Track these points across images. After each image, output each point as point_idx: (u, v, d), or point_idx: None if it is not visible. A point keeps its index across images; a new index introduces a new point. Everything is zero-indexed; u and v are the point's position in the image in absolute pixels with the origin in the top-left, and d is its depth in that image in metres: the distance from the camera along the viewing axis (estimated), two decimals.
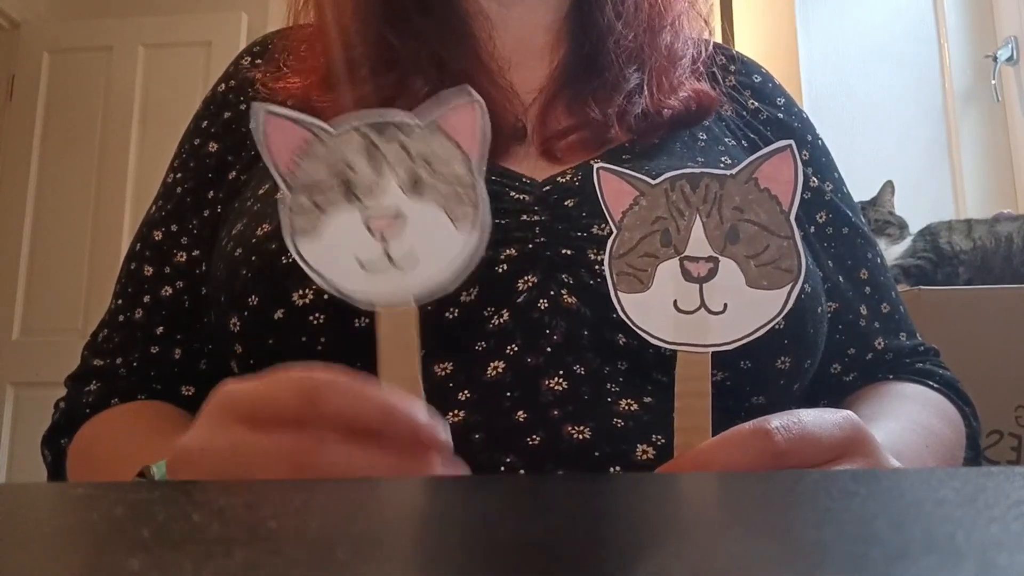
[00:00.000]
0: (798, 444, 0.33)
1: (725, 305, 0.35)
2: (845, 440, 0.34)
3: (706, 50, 0.64)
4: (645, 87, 0.59)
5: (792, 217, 0.35)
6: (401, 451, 0.30)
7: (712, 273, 0.35)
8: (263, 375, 0.32)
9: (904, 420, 0.52)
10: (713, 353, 0.35)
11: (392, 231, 0.34)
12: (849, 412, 0.36)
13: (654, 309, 0.35)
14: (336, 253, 0.34)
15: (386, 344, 0.33)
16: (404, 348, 0.33)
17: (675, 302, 0.35)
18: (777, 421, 0.33)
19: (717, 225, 0.35)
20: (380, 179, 0.34)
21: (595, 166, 0.37)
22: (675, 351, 0.35)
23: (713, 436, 0.34)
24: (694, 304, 0.35)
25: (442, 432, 0.31)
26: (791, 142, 0.35)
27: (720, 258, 0.35)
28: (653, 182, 0.36)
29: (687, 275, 0.35)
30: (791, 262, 0.35)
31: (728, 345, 0.35)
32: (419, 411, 0.31)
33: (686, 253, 0.35)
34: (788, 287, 0.35)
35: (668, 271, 0.35)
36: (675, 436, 0.34)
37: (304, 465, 0.30)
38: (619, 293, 0.35)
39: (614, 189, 0.37)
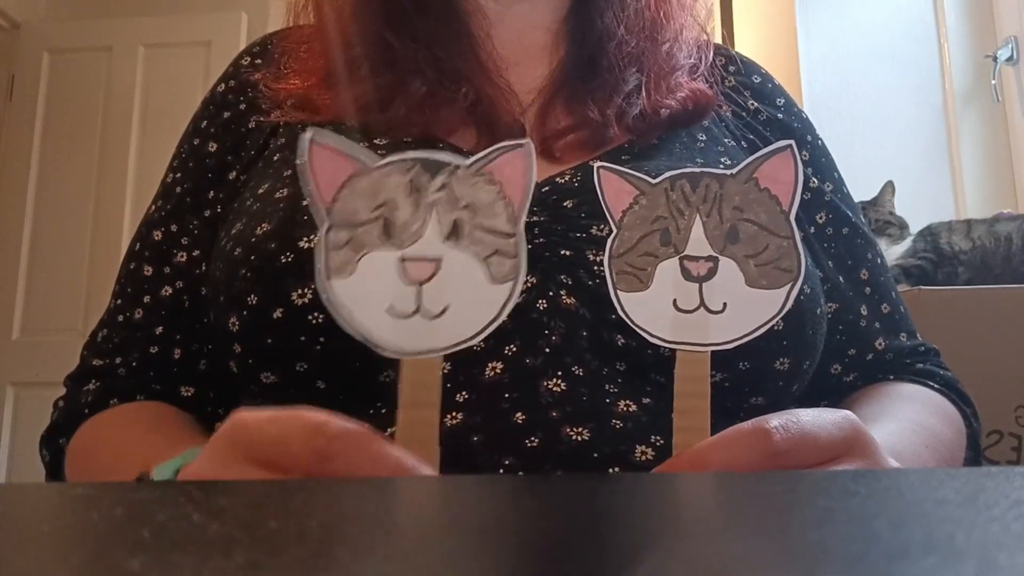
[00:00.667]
0: (797, 443, 0.33)
1: (724, 304, 0.34)
2: (844, 440, 0.34)
3: (706, 52, 0.64)
4: (643, 88, 0.59)
5: (792, 217, 0.35)
6: None
7: (712, 272, 0.35)
8: (276, 412, 0.32)
9: (904, 420, 0.52)
10: (712, 353, 0.35)
11: (427, 279, 0.33)
12: (848, 412, 0.36)
13: (653, 308, 0.35)
14: (367, 297, 0.33)
15: (406, 392, 0.33)
16: (424, 404, 0.33)
17: (674, 301, 0.35)
18: (776, 420, 0.33)
19: (717, 225, 0.35)
20: (420, 222, 0.33)
21: (595, 165, 0.37)
22: (674, 350, 0.35)
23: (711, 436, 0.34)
24: (693, 303, 0.35)
25: None
26: (791, 142, 0.35)
27: (720, 257, 0.35)
28: (653, 181, 0.36)
29: (687, 274, 0.35)
30: (791, 262, 0.35)
31: (727, 344, 0.34)
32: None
33: (686, 252, 0.35)
34: (787, 287, 0.34)
35: (668, 270, 0.35)
36: (674, 436, 0.34)
37: None
38: (619, 292, 0.35)
39: (614, 188, 0.37)
